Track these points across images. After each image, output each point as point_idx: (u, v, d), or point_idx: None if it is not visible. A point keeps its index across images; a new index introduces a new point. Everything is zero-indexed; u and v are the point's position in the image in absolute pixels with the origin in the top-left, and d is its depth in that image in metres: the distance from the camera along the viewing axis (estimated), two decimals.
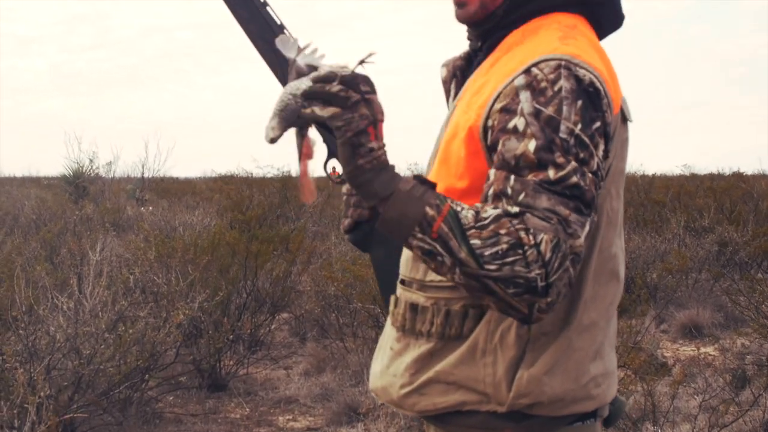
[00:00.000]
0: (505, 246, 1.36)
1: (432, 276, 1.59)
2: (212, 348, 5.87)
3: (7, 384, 4.14)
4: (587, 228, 1.41)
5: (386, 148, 1.46)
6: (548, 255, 1.36)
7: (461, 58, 1.77)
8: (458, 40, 1.79)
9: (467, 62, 1.75)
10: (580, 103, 1.44)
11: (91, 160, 18.29)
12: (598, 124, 1.46)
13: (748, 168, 24.55)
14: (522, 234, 1.36)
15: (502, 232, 1.37)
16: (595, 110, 1.46)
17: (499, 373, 1.54)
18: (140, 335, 4.89)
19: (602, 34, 1.69)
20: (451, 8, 1.68)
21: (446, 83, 1.79)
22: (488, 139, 1.50)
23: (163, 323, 5.17)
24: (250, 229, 8.95)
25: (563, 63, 1.47)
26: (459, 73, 1.76)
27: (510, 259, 1.36)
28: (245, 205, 12.50)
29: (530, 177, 1.41)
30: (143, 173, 19.02)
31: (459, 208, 1.41)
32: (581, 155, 1.42)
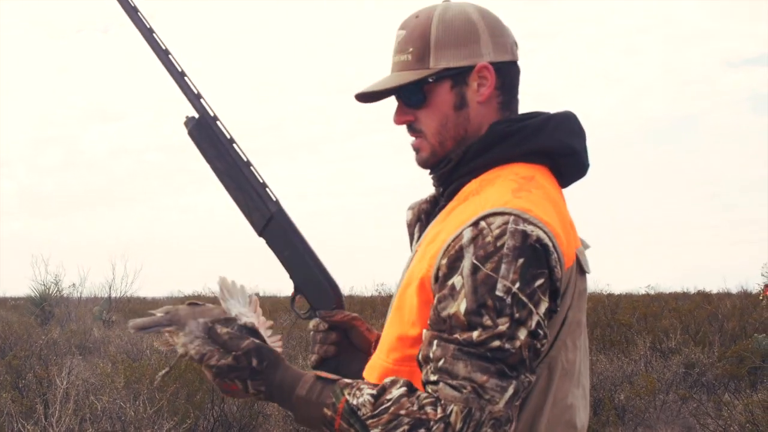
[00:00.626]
0: (406, 427, 1.40)
1: None
2: None
3: None
4: (511, 391, 1.42)
5: (261, 380, 1.53)
6: (458, 425, 1.38)
7: (427, 201, 1.76)
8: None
9: (433, 206, 1.75)
10: (521, 261, 1.44)
11: (56, 283, 18.23)
12: (541, 281, 1.45)
13: (714, 286, 24.78)
14: (429, 408, 1.40)
15: (402, 413, 1.41)
16: (539, 267, 1.45)
17: None
18: None
19: (565, 182, 1.68)
20: None
21: (411, 227, 1.78)
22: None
23: None
24: None
25: (512, 218, 1.46)
26: (424, 217, 1.75)
27: None
28: None
29: (456, 336, 1.43)
30: (110, 294, 18.91)
31: (356, 401, 1.45)
32: (517, 315, 1.43)
